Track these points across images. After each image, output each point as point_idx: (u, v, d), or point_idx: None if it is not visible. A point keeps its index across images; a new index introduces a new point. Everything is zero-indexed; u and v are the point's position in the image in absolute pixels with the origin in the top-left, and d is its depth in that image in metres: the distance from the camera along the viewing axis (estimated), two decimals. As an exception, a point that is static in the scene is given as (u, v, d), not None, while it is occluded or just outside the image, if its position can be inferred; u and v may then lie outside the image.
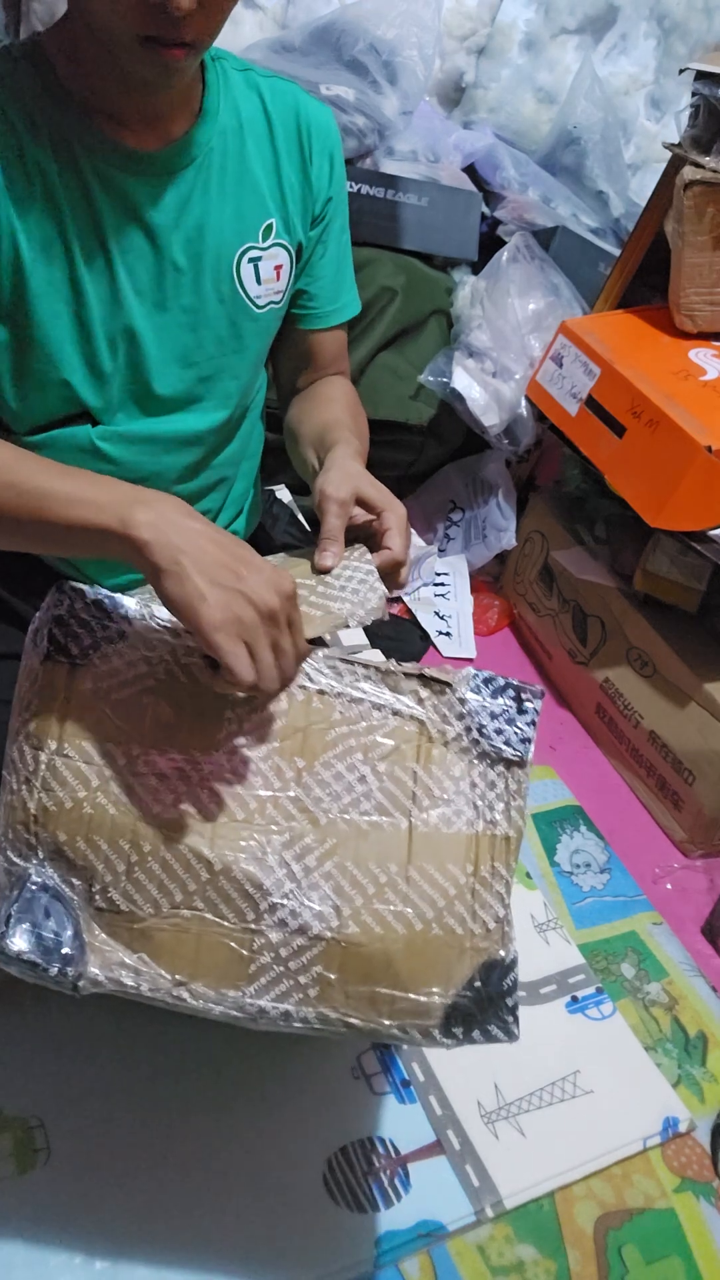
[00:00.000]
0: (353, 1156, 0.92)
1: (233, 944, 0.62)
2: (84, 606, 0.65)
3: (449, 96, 1.94)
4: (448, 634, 1.70)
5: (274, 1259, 0.86)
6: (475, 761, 0.67)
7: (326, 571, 0.76)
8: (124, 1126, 0.91)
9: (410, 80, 1.63)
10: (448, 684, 0.68)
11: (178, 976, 0.61)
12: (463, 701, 0.68)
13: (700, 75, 1.33)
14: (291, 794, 0.65)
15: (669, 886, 1.37)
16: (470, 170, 1.80)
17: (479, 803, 0.67)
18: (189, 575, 0.59)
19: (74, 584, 0.66)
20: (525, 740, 0.68)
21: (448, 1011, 0.63)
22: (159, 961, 0.62)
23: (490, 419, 1.64)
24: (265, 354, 0.93)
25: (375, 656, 0.72)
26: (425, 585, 1.76)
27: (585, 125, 1.86)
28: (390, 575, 0.78)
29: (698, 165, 1.30)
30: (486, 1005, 0.63)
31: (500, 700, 0.69)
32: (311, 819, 0.65)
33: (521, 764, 0.68)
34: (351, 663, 0.69)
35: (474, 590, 1.79)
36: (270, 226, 0.85)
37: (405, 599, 1.74)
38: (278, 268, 0.87)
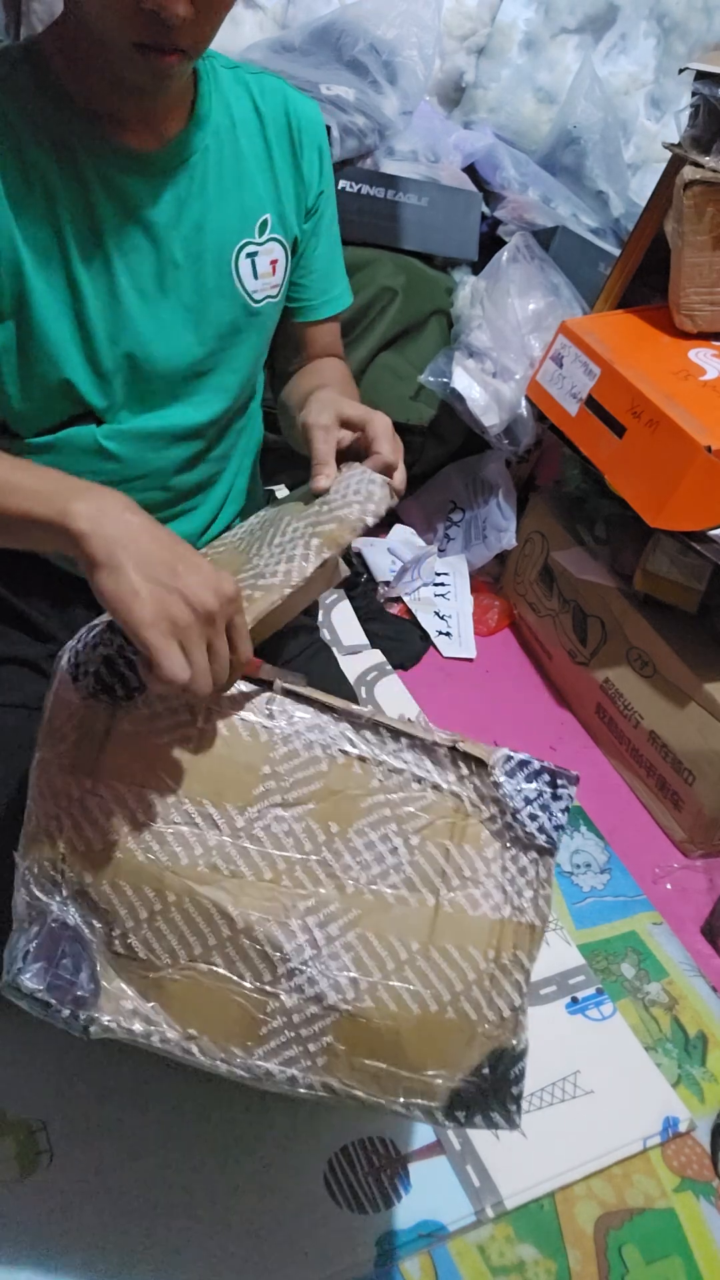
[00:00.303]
0: (354, 1157, 0.92)
1: (246, 1004, 0.62)
2: (130, 648, 0.64)
3: (449, 96, 1.94)
4: (448, 634, 1.70)
5: (275, 1259, 0.86)
6: (509, 845, 0.67)
7: (324, 492, 0.77)
8: (126, 1129, 0.91)
9: (410, 80, 1.63)
10: (484, 765, 0.67)
11: (189, 1030, 0.61)
12: (497, 785, 0.67)
13: (700, 75, 1.33)
14: (321, 858, 0.64)
15: (669, 886, 1.37)
16: (470, 170, 1.80)
17: (508, 888, 0.66)
18: (124, 569, 0.58)
19: None
20: (559, 828, 0.67)
21: (452, 1096, 0.62)
22: (171, 1013, 0.62)
23: (490, 419, 1.64)
24: (264, 348, 0.94)
25: (415, 719, 0.71)
26: (425, 585, 1.76)
27: (585, 125, 1.86)
28: (385, 471, 0.79)
29: (698, 165, 1.30)
30: (491, 1093, 0.63)
31: (535, 785, 0.68)
32: (339, 885, 0.64)
33: (552, 852, 0.67)
34: (395, 731, 0.67)
35: (474, 590, 1.79)
36: (266, 222, 0.86)
37: (405, 599, 1.74)
38: (274, 262, 0.88)
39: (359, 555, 1.76)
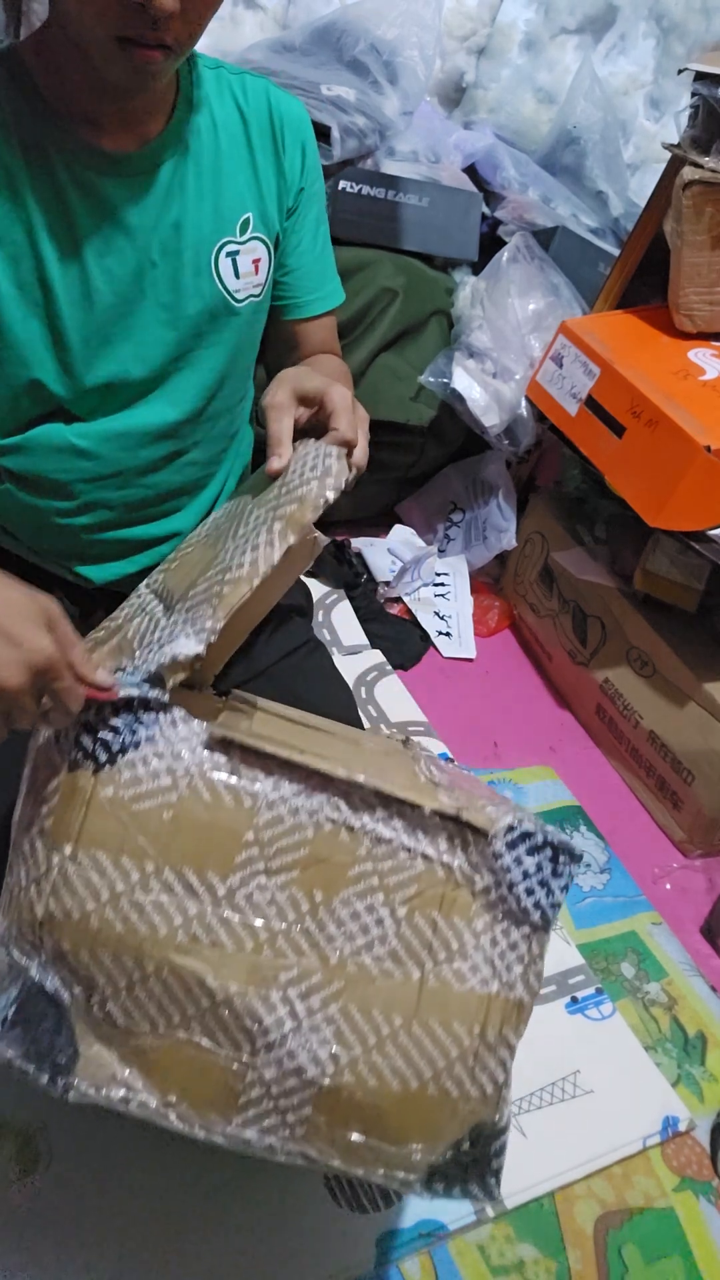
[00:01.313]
0: (353, 1156, 0.92)
1: (225, 1074, 0.61)
2: (113, 710, 0.63)
3: (449, 97, 1.94)
4: (448, 634, 1.70)
5: (275, 1259, 0.86)
6: (500, 918, 0.64)
7: (278, 474, 0.74)
8: (125, 1131, 0.91)
9: (411, 80, 1.63)
10: (484, 834, 0.64)
11: (168, 1098, 0.61)
12: (497, 856, 0.64)
13: (699, 75, 1.33)
14: (304, 927, 0.63)
15: (668, 886, 1.37)
16: (470, 170, 1.80)
17: (497, 962, 0.64)
18: None
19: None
20: (555, 905, 0.65)
21: (431, 1169, 0.62)
22: (150, 1080, 0.61)
23: (490, 419, 1.64)
24: (246, 348, 0.93)
25: (411, 786, 0.66)
26: (425, 585, 1.76)
27: (585, 125, 1.86)
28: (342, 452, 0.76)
29: (697, 165, 1.30)
30: (471, 1167, 0.62)
31: (535, 859, 0.65)
32: (322, 956, 0.63)
33: (546, 929, 0.65)
34: (387, 798, 0.65)
35: (474, 591, 1.79)
36: (248, 220, 0.86)
37: (405, 599, 1.74)
38: (255, 261, 0.87)
39: (359, 555, 1.76)
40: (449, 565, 1.81)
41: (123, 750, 0.63)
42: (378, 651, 1.52)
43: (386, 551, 1.78)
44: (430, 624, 1.70)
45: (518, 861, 0.64)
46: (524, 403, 1.63)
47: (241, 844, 0.63)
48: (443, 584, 1.78)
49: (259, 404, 0.78)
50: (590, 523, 1.65)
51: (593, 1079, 1.00)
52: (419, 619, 1.70)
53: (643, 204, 1.49)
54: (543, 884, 0.64)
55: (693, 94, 1.35)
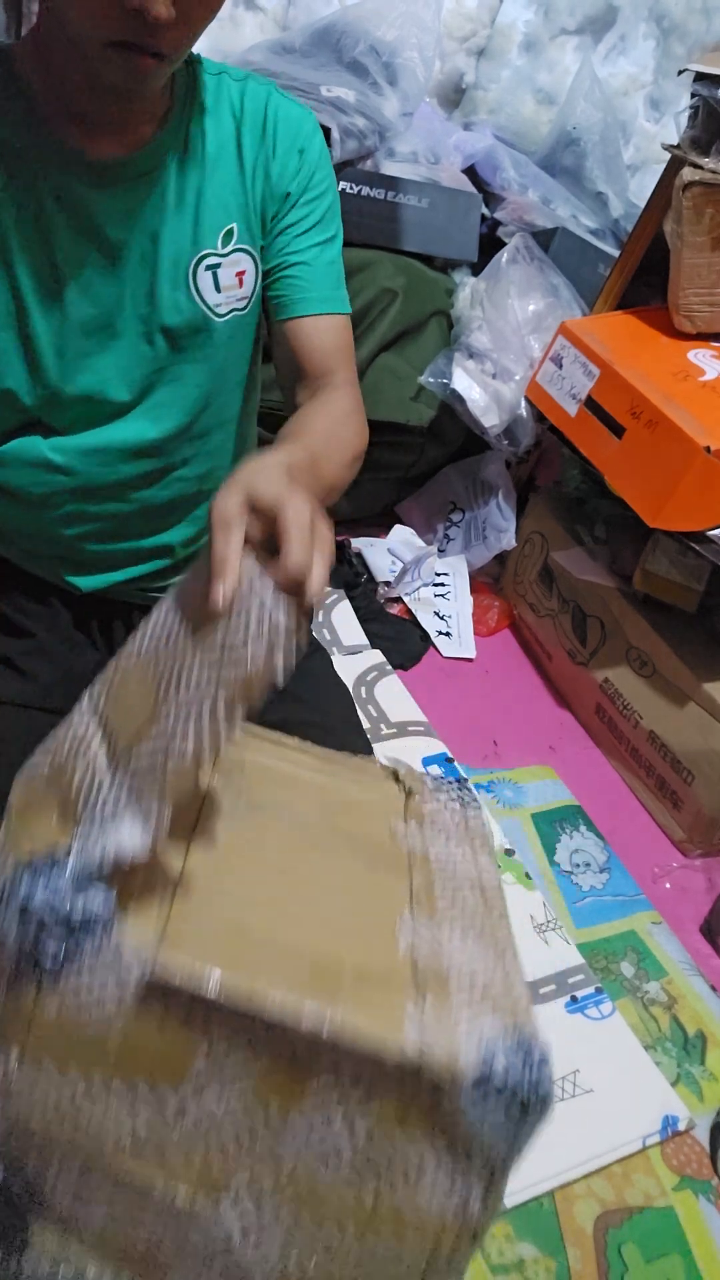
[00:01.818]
0: (353, 1155, 0.92)
1: (176, 1274, 0.61)
2: (57, 922, 0.59)
3: (449, 98, 1.94)
4: (448, 634, 1.70)
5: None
6: (460, 1151, 0.61)
7: (219, 613, 0.61)
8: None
9: (410, 81, 1.63)
10: (442, 1090, 0.60)
11: None
12: (462, 1112, 0.61)
13: (699, 76, 1.34)
14: (259, 1136, 0.60)
15: (668, 886, 1.37)
16: (470, 171, 1.80)
17: (455, 1186, 0.62)
18: None
19: (44, 898, 0.60)
20: (517, 1151, 0.62)
21: None
22: (103, 1264, 0.62)
23: (490, 420, 1.65)
24: (236, 364, 0.90)
25: (382, 1003, 0.61)
26: (425, 585, 1.77)
27: (585, 126, 1.86)
28: (295, 593, 0.61)
29: (697, 166, 1.31)
30: None
31: (499, 1113, 0.61)
32: (274, 1167, 0.61)
33: (505, 1170, 0.62)
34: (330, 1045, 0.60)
35: (474, 591, 1.79)
36: (231, 231, 0.82)
37: (405, 599, 1.74)
38: (240, 274, 0.84)
39: (359, 555, 1.77)
40: (449, 565, 1.81)
41: (68, 960, 0.59)
42: (378, 651, 1.52)
43: (386, 551, 1.78)
44: (430, 624, 1.70)
45: (482, 1117, 0.61)
46: (524, 403, 1.64)
47: (196, 1055, 0.60)
48: (443, 584, 1.78)
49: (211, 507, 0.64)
50: (590, 523, 1.66)
51: (592, 1078, 1.00)
52: (419, 619, 1.70)
53: (643, 205, 1.50)
54: (508, 1135, 0.61)
55: (692, 95, 1.35)
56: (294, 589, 0.60)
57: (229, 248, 0.83)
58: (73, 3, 0.64)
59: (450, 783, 0.93)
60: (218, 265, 0.83)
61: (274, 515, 0.61)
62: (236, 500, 0.61)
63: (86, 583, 0.93)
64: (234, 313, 0.85)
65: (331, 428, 0.82)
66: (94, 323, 0.80)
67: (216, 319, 0.84)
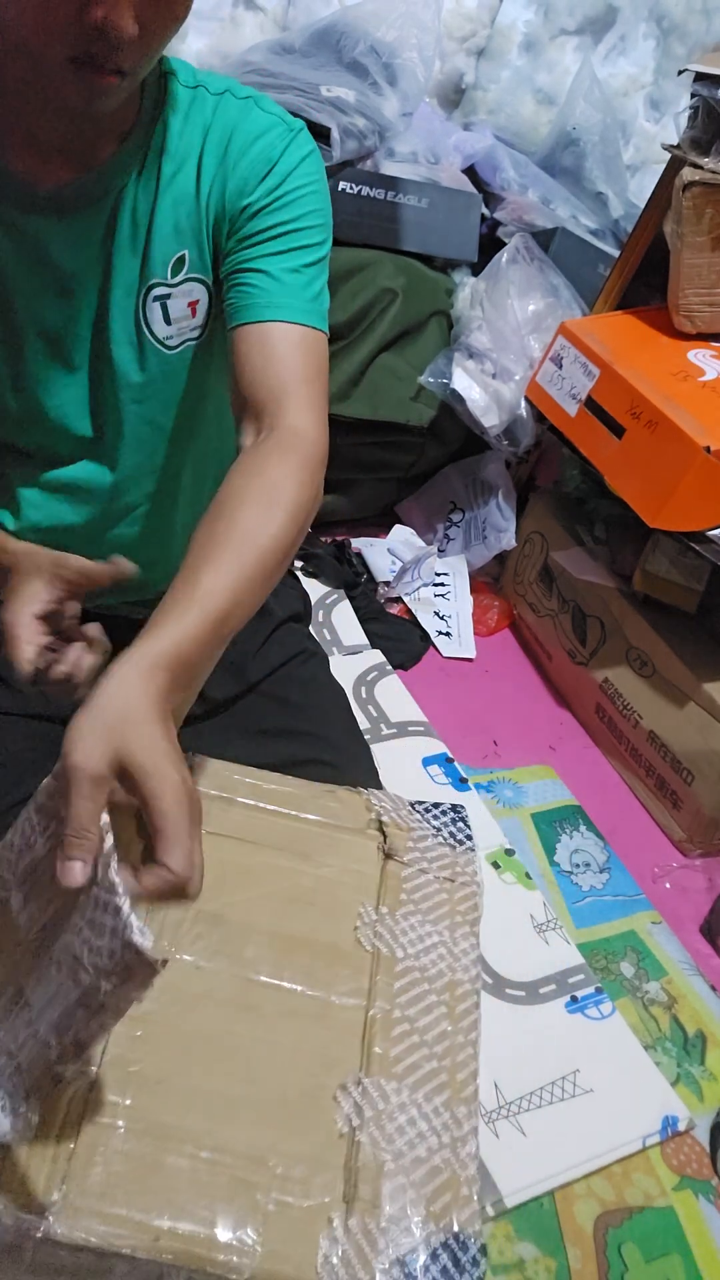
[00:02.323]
0: (353, 1155, 0.92)
1: None
2: None
3: (449, 98, 1.94)
4: (448, 634, 1.70)
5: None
6: None
7: (75, 889, 0.51)
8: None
9: (410, 82, 1.63)
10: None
11: None
12: (402, 1263, 0.60)
13: (699, 76, 1.34)
14: None
15: (668, 886, 1.37)
16: (470, 171, 1.80)
17: None
18: None
19: None
20: None
21: None
22: None
23: (490, 420, 1.65)
24: (203, 395, 0.85)
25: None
26: (425, 585, 1.77)
27: (584, 126, 1.86)
28: (168, 897, 0.51)
29: (697, 166, 1.31)
30: None
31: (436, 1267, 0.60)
32: None
33: None
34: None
35: (474, 591, 1.79)
36: (182, 259, 0.76)
37: (405, 599, 1.74)
38: (193, 304, 0.78)
39: (359, 555, 1.77)
40: (449, 565, 1.81)
41: None
42: (378, 651, 1.52)
43: (386, 551, 1.79)
44: (430, 624, 1.70)
45: (425, 1267, 0.60)
46: (523, 403, 1.64)
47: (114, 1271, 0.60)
48: (443, 584, 1.78)
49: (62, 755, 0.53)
50: (590, 523, 1.66)
51: (592, 1078, 1.00)
52: (419, 619, 1.71)
53: (642, 205, 1.50)
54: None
55: (692, 95, 1.35)
56: (167, 894, 0.51)
57: (179, 277, 0.77)
58: (28, 19, 0.60)
59: (443, 814, 0.92)
60: (167, 296, 0.77)
61: (144, 792, 0.51)
62: (104, 756, 0.51)
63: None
64: (187, 343, 0.80)
65: (247, 579, 0.63)
66: (48, 354, 0.77)
67: (167, 351, 0.79)
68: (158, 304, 0.77)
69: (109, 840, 0.50)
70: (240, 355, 0.74)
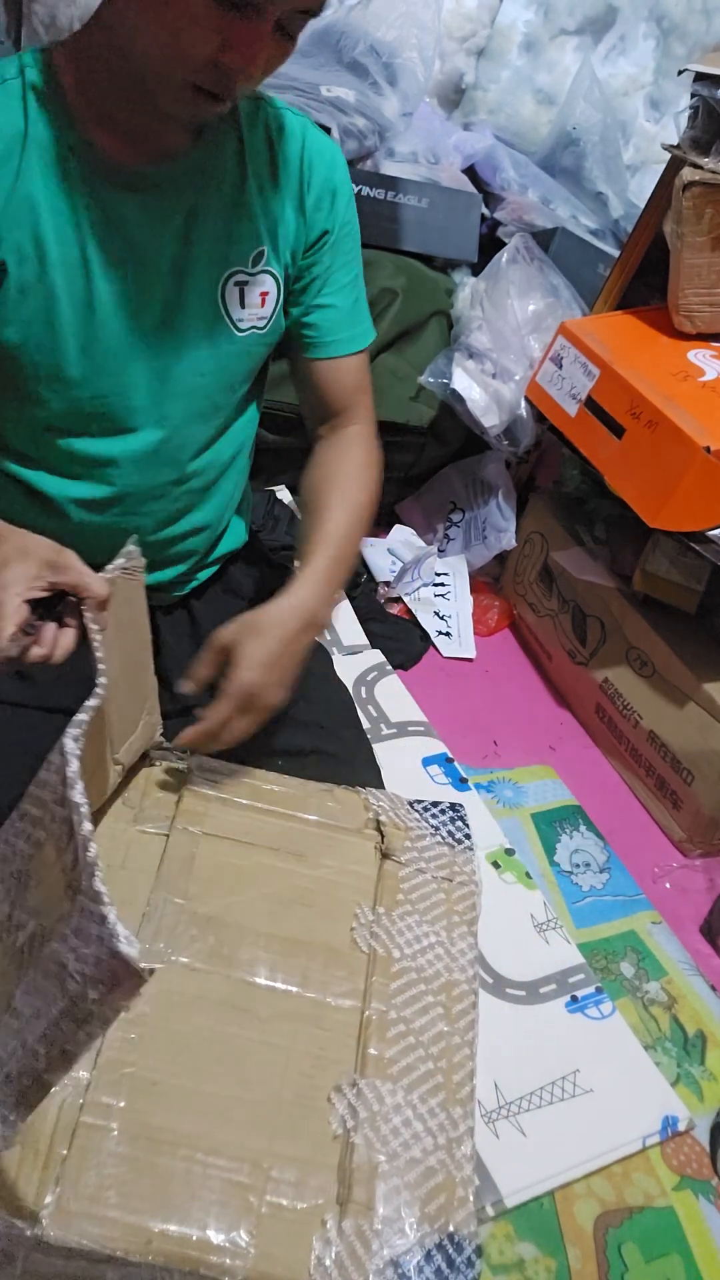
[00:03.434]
0: (353, 1155, 0.92)
1: None
2: None
3: (449, 98, 1.94)
4: (448, 634, 1.70)
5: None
6: None
7: (186, 691, 0.81)
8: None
9: (410, 82, 1.63)
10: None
11: None
12: (396, 1264, 0.61)
13: (699, 76, 1.34)
14: None
15: (668, 886, 1.37)
16: (470, 171, 1.80)
17: None
18: None
19: None
20: None
21: None
22: None
23: (490, 420, 1.65)
24: (245, 381, 0.92)
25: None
26: (425, 585, 1.77)
27: (584, 126, 1.86)
28: (199, 742, 0.81)
29: (697, 166, 1.30)
30: None
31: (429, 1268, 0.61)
32: None
33: None
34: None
35: (474, 590, 1.79)
36: (261, 254, 0.85)
37: (405, 599, 1.74)
38: (264, 294, 0.86)
39: (359, 555, 1.77)
40: (449, 565, 1.81)
41: None
42: (378, 651, 1.52)
43: (386, 551, 1.79)
44: (430, 624, 1.70)
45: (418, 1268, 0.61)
46: (523, 403, 1.64)
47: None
48: (443, 584, 1.78)
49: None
50: (590, 523, 1.66)
51: (592, 1078, 1.00)
52: (419, 619, 1.70)
53: (642, 205, 1.49)
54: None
55: (692, 95, 1.35)
56: (198, 740, 0.81)
57: (258, 268, 0.85)
58: (160, 45, 0.66)
59: (442, 813, 0.91)
60: (245, 283, 0.85)
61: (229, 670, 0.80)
62: (230, 636, 0.81)
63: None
64: (253, 330, 0.87)
65: (351, 520, 0.91)
66: (119, 323, 0.81)
67: (237, 333, 0.86)
68: (237, 289, 0.85)
69: (93, 849, 0.52)
70: (317, 376, 0.94)
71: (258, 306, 0.86)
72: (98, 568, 0.92)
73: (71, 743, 0.58)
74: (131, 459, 0.87)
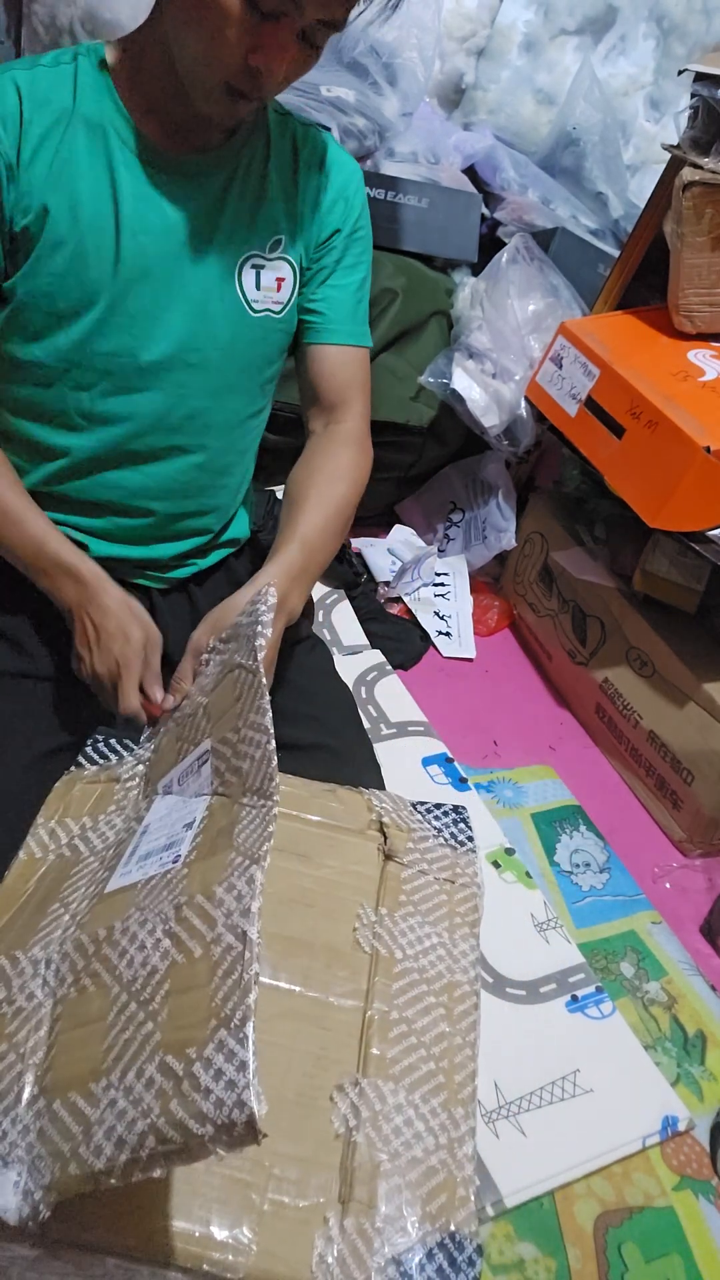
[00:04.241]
0: (353, 1155, 0.92)
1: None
2: None
3: (449, 98, 1.94)
4: (448, 634, 1.70)
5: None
6: None
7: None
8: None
9: (410, 82, 1.63)
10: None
11: None
12: (398, 1262, 0.60)
13: (699, 76, 1.34)
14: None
15: (668, 886, 1.37)
16: (470, 171, 1.80)
17: None
18: None
19: None
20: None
21: None
22: None
23: (490, 420, 1.65)
24: (258, 366, 0.96)
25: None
26: (425, 585, 1.77)
27: (584, 126, 1.86)
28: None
29: (697, 166, 1.30)
30: None
31: (430, 1267, 0.61)
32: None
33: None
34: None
35: (474, 591, 1.79)
36: (279, 241, 0.91)
37: (405, 599, 1.74)
38: (279, 280, 0.92)
39: (359, 555, 1.77)
40: (449, 565, 1.81)
41: None
42: (378, 651, 1.52)
43: (386, 551, 1.79)
44: (430, 624, 1.70)
45: (419, 1266, 0.60)
46: (523, 403, 1.64)
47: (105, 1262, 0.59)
48: (443, 584, 1.78)
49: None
50: (590, 523, 1.66)
51: (592, 1078, 1.00)
52: (419, 619, 1.70)
53: (642, 205, 1.49)
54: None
55: (692, 95, 1.35)
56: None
57: (275, 254, 0.91)
58: (196, 46, 0.74)
59: (445, 815, 0.91)
60: (262, 266, 0.91)
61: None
62: (206, 634, 0.86)
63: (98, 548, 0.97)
64: (268, 312, 0.93)
65: (327, 516, 0.94)
66: (140, 286, 0.86)
67: (251, 314, 0.91)
68: (254, 271, 0.91)
69: (254, 995, 0.51)
70: (316, 363, 0.98)
71: (273, 290, 0.92)
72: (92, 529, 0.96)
73: (260, 875, 0.57)
74: (138, 419, 0.91)
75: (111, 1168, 0.51)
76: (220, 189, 0.87)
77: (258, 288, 0.91)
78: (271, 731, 0.67)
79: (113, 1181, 0.51)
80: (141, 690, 0.88)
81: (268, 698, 0.69)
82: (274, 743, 0.66)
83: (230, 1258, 0.58)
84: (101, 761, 0.88)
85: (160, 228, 0.85)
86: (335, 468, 0.97)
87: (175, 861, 0.67)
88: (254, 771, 0.67)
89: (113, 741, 0.90)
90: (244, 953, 0.54)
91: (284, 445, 1.57)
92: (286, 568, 0.88)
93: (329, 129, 1.49)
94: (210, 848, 0.65)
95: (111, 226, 0.83)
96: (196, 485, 0.98)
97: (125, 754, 0.88)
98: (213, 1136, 0.48)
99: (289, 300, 0.94)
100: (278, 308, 0.93)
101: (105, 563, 0.91)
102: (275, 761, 0.65)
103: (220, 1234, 0.58)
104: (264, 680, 0.71)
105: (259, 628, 0.73)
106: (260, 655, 0.72)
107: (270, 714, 0.68)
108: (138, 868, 0.69)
